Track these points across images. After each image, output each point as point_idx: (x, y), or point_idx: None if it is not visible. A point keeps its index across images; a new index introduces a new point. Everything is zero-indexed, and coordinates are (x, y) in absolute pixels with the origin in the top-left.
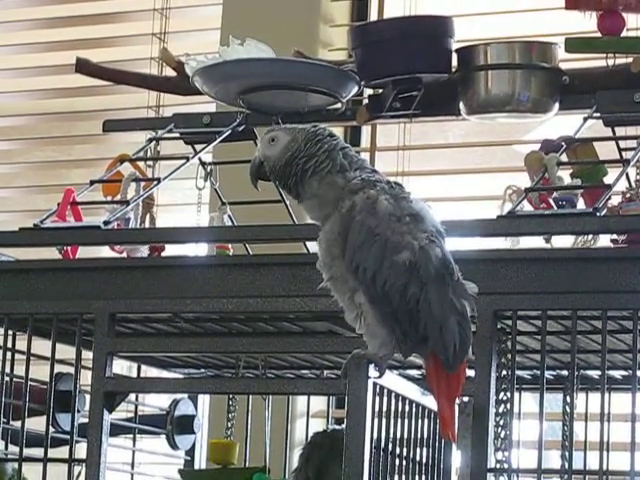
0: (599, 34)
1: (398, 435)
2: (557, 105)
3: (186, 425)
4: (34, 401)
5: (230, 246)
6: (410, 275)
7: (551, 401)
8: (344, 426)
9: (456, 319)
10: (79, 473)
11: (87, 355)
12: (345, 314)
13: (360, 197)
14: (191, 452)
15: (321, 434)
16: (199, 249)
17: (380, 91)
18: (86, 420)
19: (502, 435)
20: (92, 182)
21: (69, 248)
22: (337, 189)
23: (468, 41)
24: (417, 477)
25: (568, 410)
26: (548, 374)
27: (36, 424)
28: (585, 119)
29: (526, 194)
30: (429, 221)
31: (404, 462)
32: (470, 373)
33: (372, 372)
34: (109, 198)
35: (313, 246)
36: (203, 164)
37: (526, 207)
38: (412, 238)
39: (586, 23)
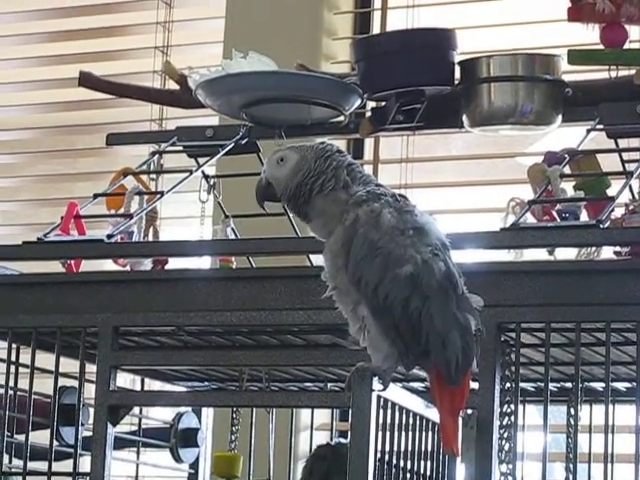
0: (602, 46)
1: (402, 448)
2: (560, 117)
3: (190, 438)
4: (38, 415)
5: (233, 259)
6: (412, 288)
7: (555, 413)
8: (348, 439)
9: (459, 333)
10: None
11: (91, 368)
12: (349, 326)
13: (364, 210)
14: (195, 465)
15: (324, 447)
16: (202, 262)
17: (383, 104)
18: (90, 433)
19: (506, 448)
20: (96, 195)
21: (72, 262)
22: (341, 204)
23: (471, 53)
24: None
25: (572, 422)
26: (552, 386)
27: (40, 438)
28: (588, 131)
29: (529, 206)
30: (434, 234)
31: (408, 475)
32: (474, 385)
33: (376, 385)
34: (113, 211)
35: (316, 259)
36: (206, 177)
37: (529, 219)
38: (415, 251)
39: (589, 35)
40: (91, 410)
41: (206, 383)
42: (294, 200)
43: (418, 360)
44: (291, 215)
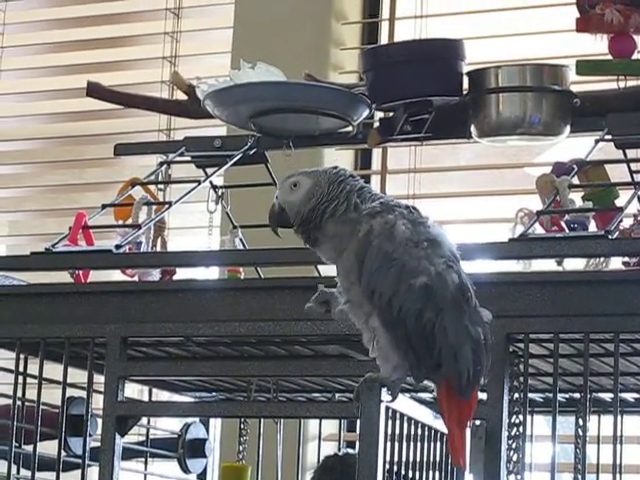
0: (610, 56)
1: (411, 459)
2: (568, 127)
3: (198, 449)
4: (46, 425)
5: (241, 269)
6: (426, 300)
7: (563, 424)
8: (356, 450)
9: (470, 346)
10: None
11: (99, 379)
12: (362, 337)
13: (378, 221)
14: (203, 476)
15: (332, 457)
16: (210, 273)
17: (391, 114)
18: (98, 444)
19: (514, 458)
20: (104, 206)
21: (81, 272)
22: (352, 222)
23: (479, 64)
24: None
25: (580, 433)
26: (560, 397)
27: (48, 448)
28: (596, 141)
29: (538, 217)
30: (446, 246)
31: None
32: (482, 396)
33: (384, 396)
34: (121, 222)
35: (325, 269)
36: (214, 187)
37: (538, 230)
38: (429, 263)
39: (597, 45)
40: (99, 420)
41: (214, 393)
42: (305, 224)
43: (429, 372)
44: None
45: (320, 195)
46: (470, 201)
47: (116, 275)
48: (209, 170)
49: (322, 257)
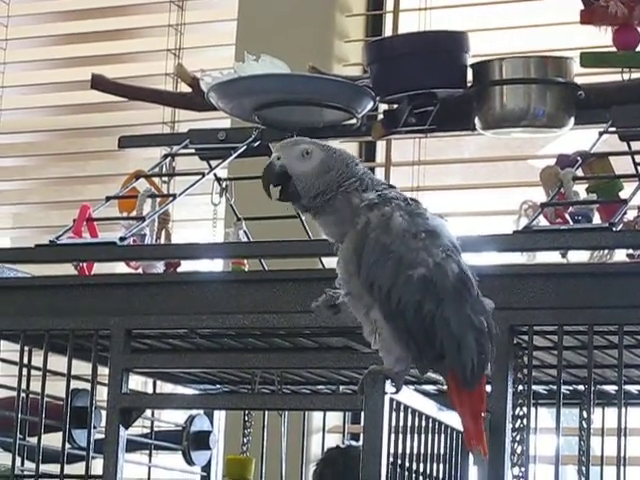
0: (614, 49)
1: (415, 451)
2: (572, 120)
3: (202, 441)
4: (50, 417)
5: (246, 262)
6: (425, 291)
7: (567, 416)
8: (360, 442)
9: (474, 336)
10: None
11: (103, 371)
12: (363, 330)
13: (375, 214)
14: (207, 468)
15: (335, 450)
16: (215, 265)
17: (395, 106)
18: (102, 436)
19: (519, 450)
20: (108, 198)
21: (85, 264)
22: (354, 206)
23: (483, 56)
24: None
25: (585, 425)
26: (564, 389)
27: (52, 440)
28: (601, 134)
29: (542, 209)
30: (445, 237)
31: (421, 478)
32: (486, 388)
33: (388, 388)
34: (125, 214)
35: (329, 261)
36: (218, 180)
37: (542, 222)
38: (427, 254)
39: (601, 38)
40: (103, 413)
41: (218, 386)
42: (320, 196)
43: (432, 363)
44: (303, 218)
45: (339, 169)
46: (474, 193)
47: (120, 267)
48: (213, 162)
49: (323, 229)
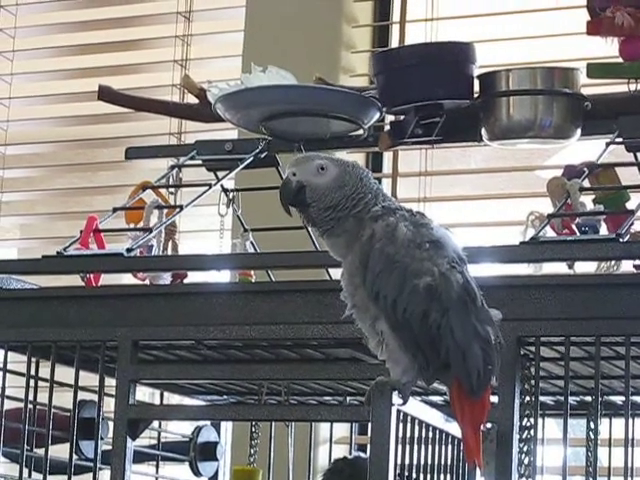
0: (621, 59)
1: (422, 462)
2: (579, 130)
3: (209, 452)
4: (57, 428)
5: (252, 273)
6: (430, 301)
7: (575, 427)
8: (367, 453)
9: (480, 345)
10: None
11: (110, 382)
12: (368, 341)
13: (379, 225)
14: (214, 479)
15: (341, 461)
16: (222, 276)
17: (402, 117)
18: (109, 447)
19: (526, 461)
20: (115, 209)
21: (92, 275)
22: (360, 222)
23: (490, 67)
24: None
25: (592, 436)
26: (571, 400)
27: (59, 451)
28: (607, 144)
29: (549, 220)
30: (450, 248)
31: None
32: (494, 399)
33: (396, 399)
34: (132, 225)
35: (335, 273)
36: (225, 191)
37: (549, 233)
38: (432, 264)
39: (608, 48)
40: (110, 424)
41: (225, 397)
42: (331, 210)
43: (438, 373)
44: (309, 227)
45: (352, 186)
46: (481, 204)
47: (127, 279)
48: (220, 173)
49: (330, 249)
